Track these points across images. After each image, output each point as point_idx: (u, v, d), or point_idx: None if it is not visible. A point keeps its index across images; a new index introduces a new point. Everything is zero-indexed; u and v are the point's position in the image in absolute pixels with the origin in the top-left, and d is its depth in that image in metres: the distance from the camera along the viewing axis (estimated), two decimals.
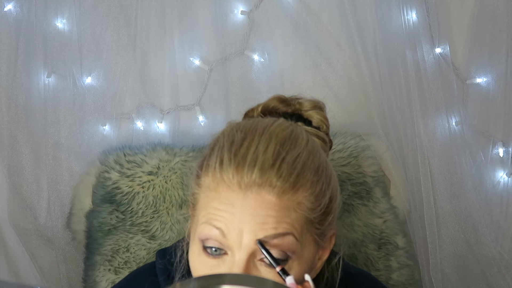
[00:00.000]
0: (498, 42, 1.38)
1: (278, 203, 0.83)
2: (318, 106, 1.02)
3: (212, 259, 0.86)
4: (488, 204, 1.42)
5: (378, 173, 1.32)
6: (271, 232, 0.83)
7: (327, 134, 1.02)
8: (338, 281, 0.96)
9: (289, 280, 0.80)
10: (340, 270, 0.96)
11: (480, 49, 1.40)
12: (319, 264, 0.92)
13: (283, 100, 1.02)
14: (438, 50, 1.38)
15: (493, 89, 1.40)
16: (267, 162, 0.84)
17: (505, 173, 1.42)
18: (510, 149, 1.42)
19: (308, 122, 1.01)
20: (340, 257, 0.96)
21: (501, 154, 1.42)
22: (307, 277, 0.83)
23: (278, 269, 0.82)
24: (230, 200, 0.84)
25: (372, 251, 1.29)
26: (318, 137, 0.98)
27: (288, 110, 1.02)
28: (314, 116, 1.01)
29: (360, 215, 1.30)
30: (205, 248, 0.86)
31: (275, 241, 0.83)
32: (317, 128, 1.00)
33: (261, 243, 0.82)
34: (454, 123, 1.38)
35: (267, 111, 1.02)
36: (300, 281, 0.85)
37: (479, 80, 1.41)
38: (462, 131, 1.39)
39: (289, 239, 0.84)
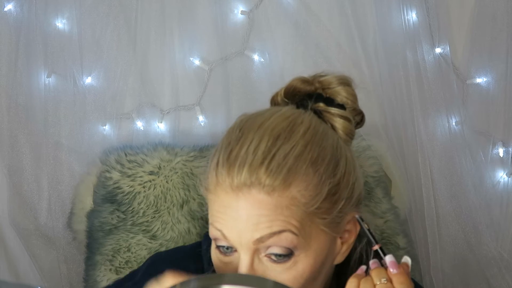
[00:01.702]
0: (498, 42, 1.38)
1: (270, 201, 0.82)
2: (343, 82, 0.95)
3: (226, 257, 0.86)
4: (488, 204, 1.42)
5: (379, 173, 1.32)
6: (266, 231, 0.82)
7: (354, 109, 0.95)
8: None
9: (389, 258, 0.81)
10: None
11: (480, 49, 1.40)
12: (345, 248, 0.91)
13: (304, 80, 0.97)
14: (438, 50, 1.37)
15: (493, 89, 1.40)
16: (256, 161, 0.82)
17: (505, 173, 1.42)
18: (510, 149, 1.42)
19: (330, 100, 0.95)
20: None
21: (501, 154, 1.42)
22: (407, 258, 0.83)
23: (376, 247, 0.82)
24: (226, 202, 0.84)
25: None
26: (341, 116, 0.93)
27: (310, 90, 0.96)
28: (337, 94, 0.95)
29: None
30: (217, 246, 0.87)
31: (272, 239, 0.82)
32: (341, 106, 0.95)
33: (361, 219, 0.85)
34: (454, 123, 1.38)
35: (290, 94, 0.97)
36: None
37: (479, 80, 1.41)
38: (462, 131, 1.39)
39: (287, 236, 0.83)
